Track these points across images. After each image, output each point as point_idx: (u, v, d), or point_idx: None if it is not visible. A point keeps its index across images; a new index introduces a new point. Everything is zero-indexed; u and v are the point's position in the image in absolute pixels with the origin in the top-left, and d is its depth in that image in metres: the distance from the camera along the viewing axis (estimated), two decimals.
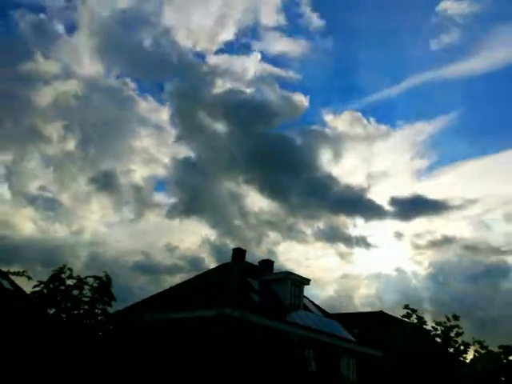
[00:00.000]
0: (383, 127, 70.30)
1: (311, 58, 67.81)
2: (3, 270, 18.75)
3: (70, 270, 16.95)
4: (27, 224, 53.80)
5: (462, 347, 17.42)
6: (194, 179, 49.60)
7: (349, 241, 56.01)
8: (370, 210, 53.42)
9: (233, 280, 21.36)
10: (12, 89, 50.13)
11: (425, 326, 20.77)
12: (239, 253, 26.12)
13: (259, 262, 27.02)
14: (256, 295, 21.22)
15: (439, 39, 72.00)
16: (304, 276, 24.02)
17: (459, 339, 17.57)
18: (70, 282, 16.81)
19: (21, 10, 66.57)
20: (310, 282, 24.10)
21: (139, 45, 56.29)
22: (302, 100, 64.75)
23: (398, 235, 57.66)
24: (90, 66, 58.21)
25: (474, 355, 20.11)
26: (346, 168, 60.70)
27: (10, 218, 52.43)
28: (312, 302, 25.87)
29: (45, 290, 15.98)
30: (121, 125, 55.23)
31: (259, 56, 64.25)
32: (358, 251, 58.74)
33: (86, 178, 56.25)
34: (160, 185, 61.79)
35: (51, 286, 16.11)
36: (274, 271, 25.85)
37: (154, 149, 57.68)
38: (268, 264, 26.73)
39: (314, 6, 79.53)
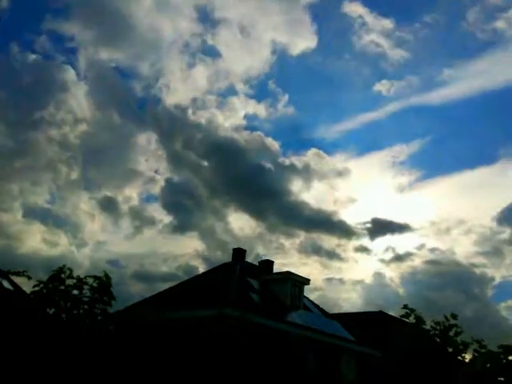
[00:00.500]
0: (342, 162, 77.89)
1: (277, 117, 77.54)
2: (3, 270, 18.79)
3: (70, 270, 16.92)
4: (36, 237, 60.45)
5: (461, 346, 17.43)
6: (186, 202, 58.33)
7: (325, 254, 63.02)
8: (341, 230, 62.57)
9: (233, 280, 21.38)
10: (26, 132, 58.14)
11: (424, 326, 20.75)
12: (239, 253, 26.13)
13: (259, 262, 27.04)
14: (256, 295, 21.23)
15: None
16: (304, 276, 24.07)
17: (458, 338, 17.59)
18: (69, 281, 16.78)
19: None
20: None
21: (133, 95, 66.88)
22: (274, 144, 76.92)
23: (367, 251, 64.45)
24: (92, 111, 64.20)
25: (473, 354, 20.09)
26: (317, 195, 69.10)
27: (22, 234, 58.76)
28: (312, 302, 25.88)
29: (44, 290, 15.96)
30: (121, 154, 62.30)
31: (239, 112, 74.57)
32: (333, 264, 63.58)
33: (91, 199, 62.68)
34: (157, 205, 67.39)
35: (51, 285, 16.09)
36: (274, 271, 25.89)
37: (150, 173, 65.69)
38: (268, 264, 26.75)
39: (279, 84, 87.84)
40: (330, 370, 21.01)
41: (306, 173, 65.62)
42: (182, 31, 74.03)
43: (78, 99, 63.43)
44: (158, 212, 72.78)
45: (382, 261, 65.13)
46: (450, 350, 17.69)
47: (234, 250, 26.41)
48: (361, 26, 77.62)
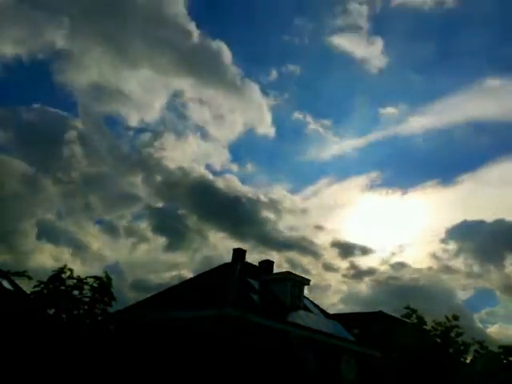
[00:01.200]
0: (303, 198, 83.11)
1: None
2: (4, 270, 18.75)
3: (71, 270, 16.85)
4: (47, 255, 64.86)
5: (461, 347, 17.41)
6: (177, 225, 64.89)
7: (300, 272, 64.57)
8: (310, 251, 69.89)
9: (233, 280, 21.36)
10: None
11: (424, 327, 20.70)
12: (239, 253, 26.10)
13: (259, 263, 27.00)
14: (256, 295, 21.21)
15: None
16: (304, 276, 24.05)
17: (459, 339, 17.56)
18: (70, 282, 16.71)
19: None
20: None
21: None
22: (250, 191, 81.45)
23: (334, 269, 70.03)
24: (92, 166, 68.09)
25: (474, 355, 20.02)
26: (288, 223, 75.86)
27: (37, 253, 63.55)
28: (312, 302, 25.85)
29: (45, 291, 15.91)
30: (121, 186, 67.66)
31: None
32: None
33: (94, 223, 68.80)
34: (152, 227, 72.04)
35: (51, 286, 16.04)
36: (274, 272, 25.86)
37: (147, 199, 69.25)
38: (268, 264, 26.71)
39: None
40: (330, 370, 20.99)
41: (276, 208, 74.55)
42: None
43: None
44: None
45: (345, 276, 71.60)
46: (451, 350, 17.67)
47: (234, 250, 26.38)
48: None
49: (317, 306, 25.78)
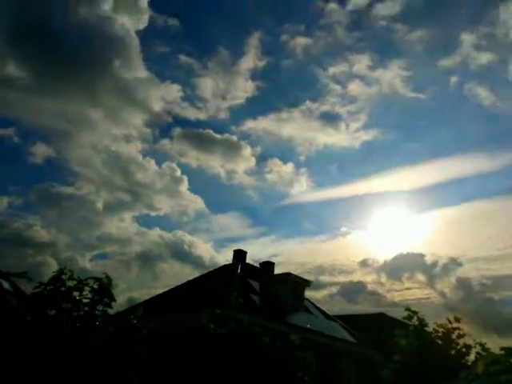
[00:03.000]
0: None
1: None
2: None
3: (71, 271, 16.87)
4: None
5: (463, 349, 17.34)
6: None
7: None
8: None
9: (234, 281, 21.34)
10: None
11: (426, 328, 20.70)
12: (240, 254, 26.10)
13: (260, 264, 27.00)
14: (257, 296, 21.19)
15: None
16: (305, 278, 24.03)
17: (461, 341, 17.53)
18: (70, 283, 16.73)
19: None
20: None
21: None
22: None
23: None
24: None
25: (476, 357, 19.99)
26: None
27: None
28: (313, 304, 25.83)
29: (45, 292, 15.93)
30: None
31: None
32: None
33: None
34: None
35: (52, 287, 16.05)
36: (275, 273, 25.83)
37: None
38: (269, 266, 26.70)
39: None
40: (330, 372, 20.95)
41: None
42: None
43: None
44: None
45: None
46: (453, 352, 17.61)
47: (235, 251, 26.38)
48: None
49: (317, 308, 25.74)
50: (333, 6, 69.63)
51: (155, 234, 65.75)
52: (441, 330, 17.06)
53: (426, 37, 66.97)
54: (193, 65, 72.56)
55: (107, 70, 57.31)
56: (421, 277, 58.06)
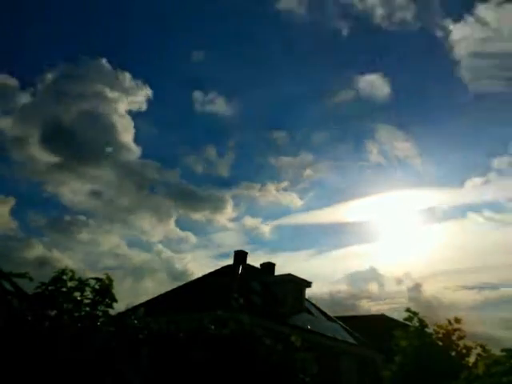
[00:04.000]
0: None
1: None
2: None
3: (72, 271, 16.88)
4: None
5: (464, 350, 17.34)
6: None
7: None
8: None
9: (234, 282, 21.34)
10: None
11: (426, 329, 20.69)
12: (241, 255, 26.09)
13: (261, 265, 26.99)
14: (257, 297, 21.19)
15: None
16: (305, 279, 24.01)
17: (461, 342, 17.52)
18: (71, 283, 16.74)
19: None
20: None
21: None
22: None
23: None
24: None
25: (476, 358, 19.96)
26: None
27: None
28: (314, 305, 25.81)
29: (46, 292, 15.94)
30: None
31: None
32: None
33: None
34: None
35: (53, 287, 16.07)
36: (276, 274, 25.83)
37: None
38: (269, 266, 26.70)
39: None
40: (331, 373, 20.93)
41: None
42: None
43: None
44: None
45: None
46: (453, 353, 17.61)
47: (236, 252, 26.38)
48: None
49: (318, 309, 25.73)
50: None
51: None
52: (441, 331, 17.06)
53: None
54: None
55: None
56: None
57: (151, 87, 74.80)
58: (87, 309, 14.57)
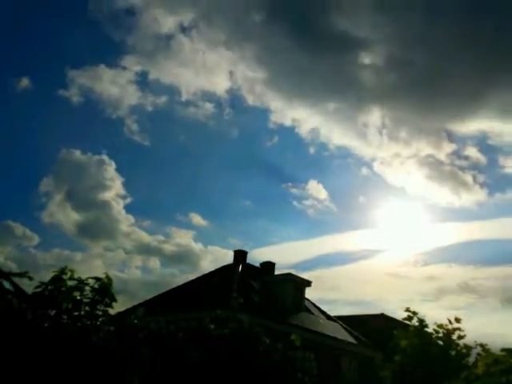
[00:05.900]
0: None
1: None
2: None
3: (72, 271, 16.88)
4: None
5: (464, 350, 17.34)
6: None
7: None
8: None
9: (234, 281, 21.34)
10: None
11: (426, 329, 20.70)
12: (240, 254, 26.09)
13: (260, 264, 26.99)
14: (257, 297, 21.19)
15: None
16: (305, 278, 24.02)
17: (461, 342, 17.54)
18: (71, 283, 16.75)
19: None
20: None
21: None
22: None
23: None
24: None
25: (476, 358, 19.96)
26: None
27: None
28: (314, 304, 25.82)
29: (46, 292, 15.94)
30: None
31: None
32: None
33: None
34: None
35: (52, 287, 16.07)
36: (275, 273, 25.83)
37: None
38: (269, 266, 26.70)
39: None
40: (331, 372, 20.94)
41: None
42: None
43: None
44: None
45: None
46: (453, 353, 17.61)
47: (235, 251, 26.38)
48: None
49: (318, 308, 25.73)
50: None
51: None
52: (441, 330, 17.06)
53: None
54: None
55: None
56: None
57: None
58: (87, 308, 14.58)
